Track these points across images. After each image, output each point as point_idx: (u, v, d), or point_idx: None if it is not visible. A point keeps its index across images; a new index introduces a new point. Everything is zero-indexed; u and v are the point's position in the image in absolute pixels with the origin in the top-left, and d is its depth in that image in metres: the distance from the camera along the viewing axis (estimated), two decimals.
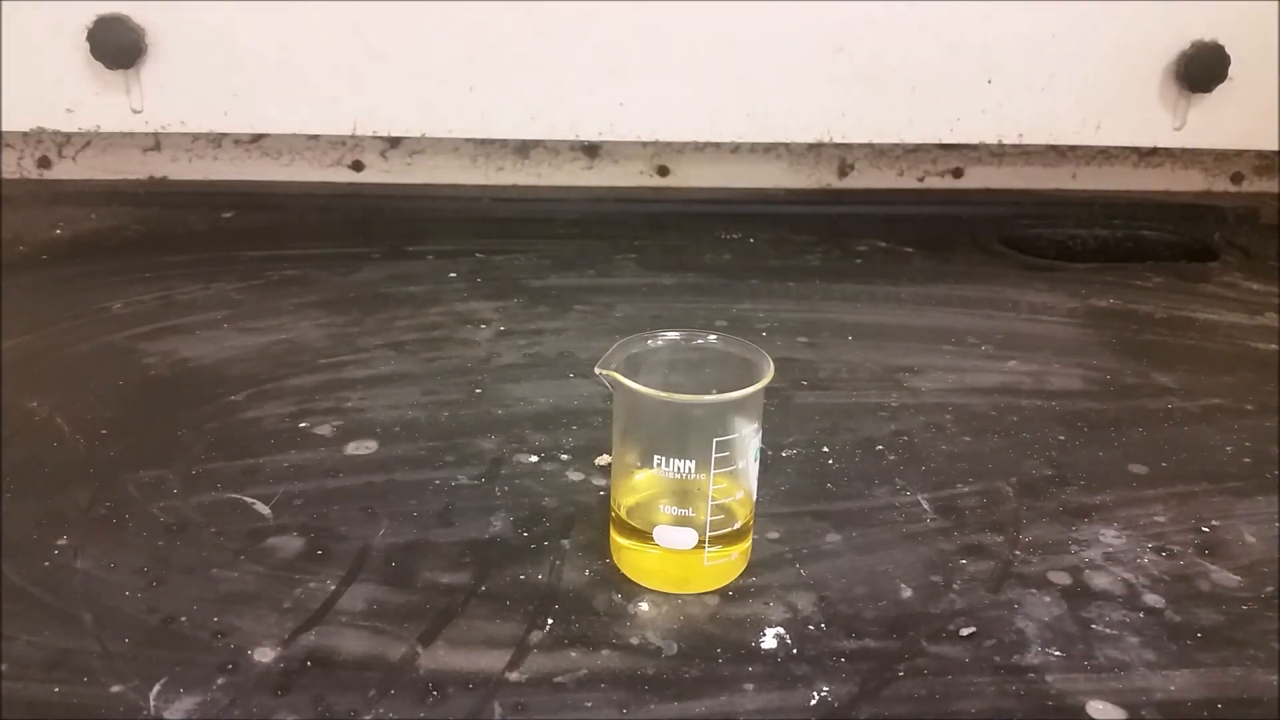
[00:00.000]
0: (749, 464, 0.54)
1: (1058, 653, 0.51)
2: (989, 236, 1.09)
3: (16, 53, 1.00)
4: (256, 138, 1.13)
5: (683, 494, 0.53)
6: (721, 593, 0.55)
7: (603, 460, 0.66)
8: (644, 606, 0.54)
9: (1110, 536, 0.60)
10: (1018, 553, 0.59)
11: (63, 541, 0.57)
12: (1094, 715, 0.48)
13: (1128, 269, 1.03)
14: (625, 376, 0.52)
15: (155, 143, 1.13)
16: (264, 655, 0.50)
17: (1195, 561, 0.59)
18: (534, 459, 0.66)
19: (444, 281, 0.93)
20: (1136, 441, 0.71)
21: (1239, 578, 0.57)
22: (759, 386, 0.52)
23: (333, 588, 0.54)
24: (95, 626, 0.51)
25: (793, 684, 0.49)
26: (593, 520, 0.60)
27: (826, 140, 1.11)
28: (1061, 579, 0.57)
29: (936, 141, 1.15)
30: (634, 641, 0.51)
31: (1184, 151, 1.21)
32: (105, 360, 0.77)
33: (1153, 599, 0.55)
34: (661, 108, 1.08)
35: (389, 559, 0.57)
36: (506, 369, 0.78)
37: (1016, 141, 1.13)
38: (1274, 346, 0.86)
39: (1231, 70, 1.08)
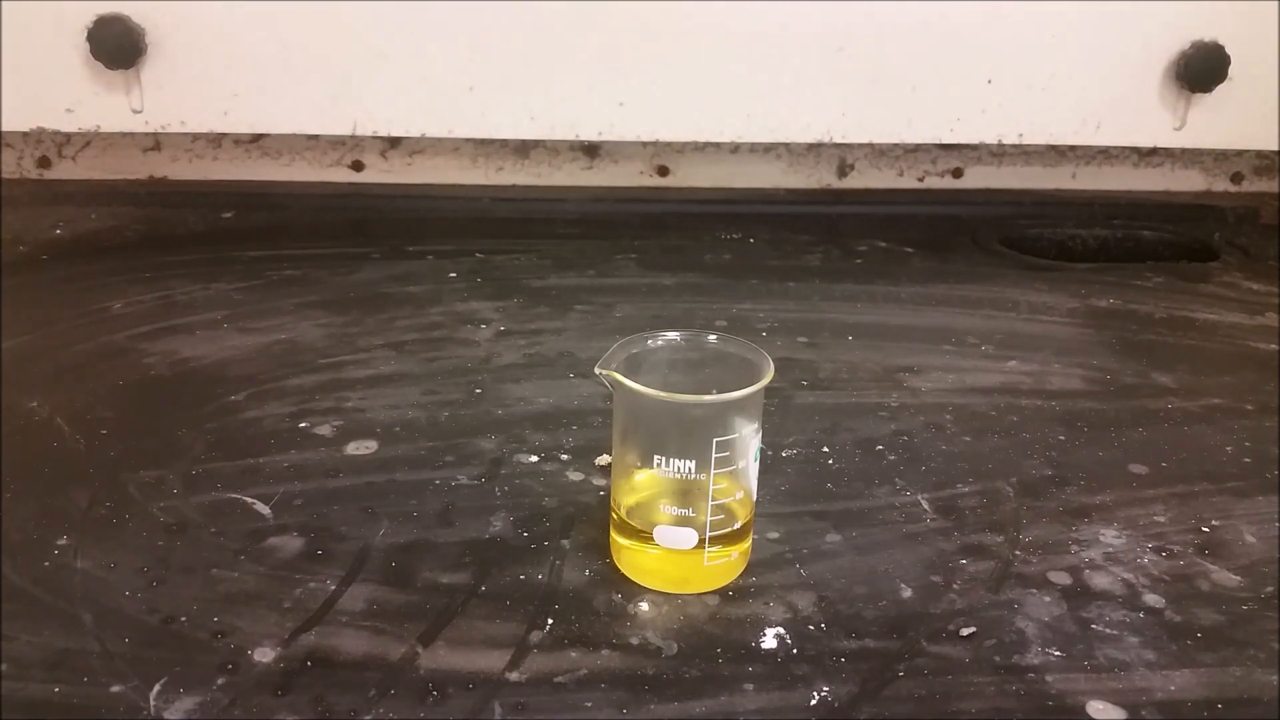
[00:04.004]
0: (749, 464, 0.54)
1: (1058, 653, 0.51)
2: (989, 236, 1.09)
3: (16, 53, 1.00)
4: (256, 138, 1.13)
5: (683, 494, 0.53)
6: (721, 593, 0.55)
7: (603, 460, 0.66)
8: (644, 606, 0.54)
9: (1110, 536, 0.60)
10: (1018, 553, 0.59)
11: (63, 541, 0.57)
12: (1094, 715, 0.48)
13: (1128, 269, 1.03)
14: (625, 376, 0.52)
15: (155, 143, 1.13)
16: (264, 655, 0.50)
17: (1195, 561, 0.59)
18: (534, 459, 0.66)
19: (444, 281, 0.93)
20: (1136, 441, 0.71)
21: (1239, 578, 0.57)
22: (759, 386, 0.52)
23: (333, 588, 0.54)
24: (95, 626, 0.51)
25: (793, 684, 0.49)
26: (593, 520, 0.60)
27: (826, 140, 1.11)
28: (1061, 579, 0.57)
29: (936, 141, 1.15)
30: (634, 641, 0.51)
31: (1184, 151, 1.21)
32: (105, 360, 0.77)
33: (1153, 599, 0.55)
34: (661, 108, 1.08)
35: (389, 559, 0.57)
36: (506, 369, 0.78)
37: (1016, 141, 1.13)
38: (1274, 346, 0.86)
39: (1231, 70, 1.08)
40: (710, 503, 0.53)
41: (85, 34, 0.99)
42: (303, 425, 0.69)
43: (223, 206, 1.09)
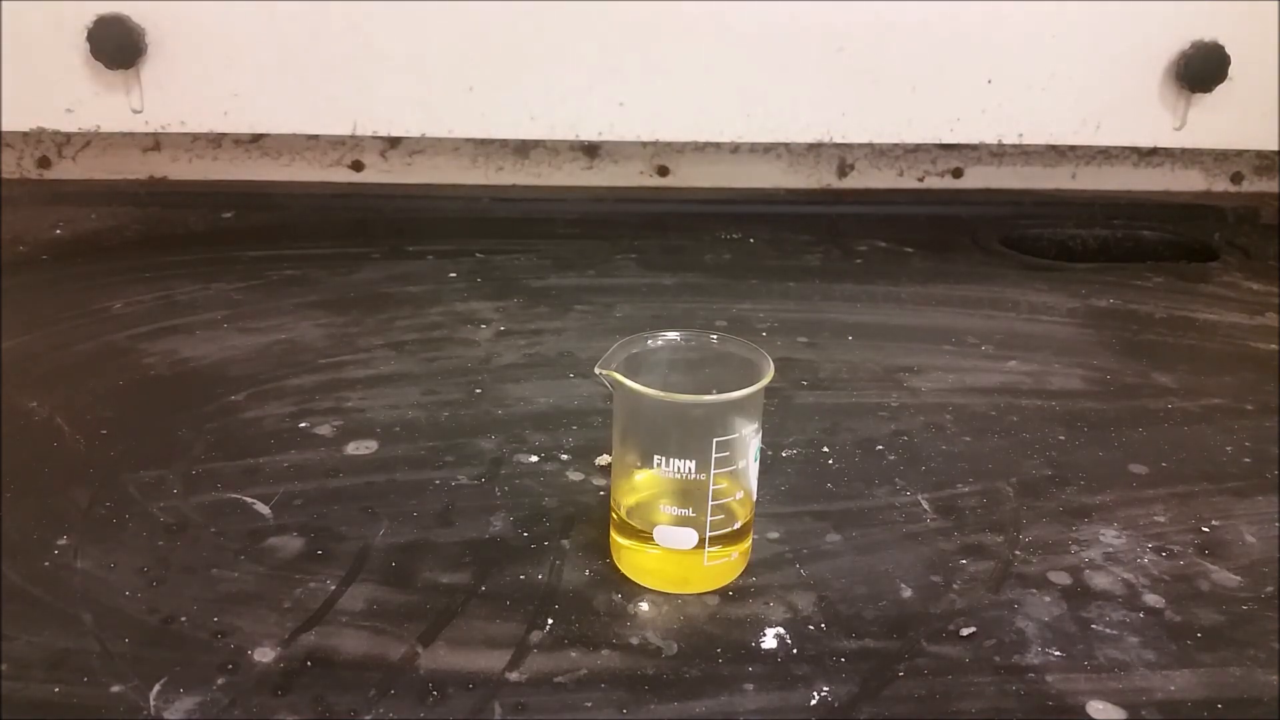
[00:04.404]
0: (749, 464, 0.54)
1: (1058, 653, 0.51)
2: (989, 236, 1.08)
3: (16, 53, 1.00)
4: (256, 138, 1.13)
5: (683, 494, 0.53)
6: (721, 593, 0.55)
7: (603, 460, 0.66)
8: (644, 606, 0.54)
9: (1110, 536, 0.60)
10: (1018, 553, 0.59)
11: (63, 541, 0.57)
12: (1094, 715, 0.48)
13: (1128, 269, 1.03)
14: (625, 376, 0.52)
15: (155, 143, 1.13)
16: (264, 655, 0.50)
17: (1195, 561, 0.59)
18: (534, 459, 0.66)
19: (444, 281, 0.93)
20: (1136, 441, 0.71)
21: (1239, 578, 0.57)
22: (759, 386, 0.52)
23: (333, 588, 0.54)
24: (95, 626, 0.51)
25: (793, 684, 0.49)
26: (593, 520, 0.60)
27: (826, 140, 1.11)
28: (1061, 579, 0.57)
29: (936, 141, 1.15)
30: (634, 641, 0.51)
31: (1184, 151, 1.21)
32: (105, 360, 0.77)
33: (1153, 599, 0.55)
34: (661, 108, 1.08)
35: (389, 559, 0.57)
36: (506, 369, 0.78)
37: (1016, 141, 1.13)
38: (1274, 346, 0.86)
39: (1231, 70, 1.08)
40: (710, 503, 0.53)
41: (85, 34, 1.00)
42: (303, 425, 0.69)
43: (223, 206, 1.09)
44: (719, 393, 0.53)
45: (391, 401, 0.72)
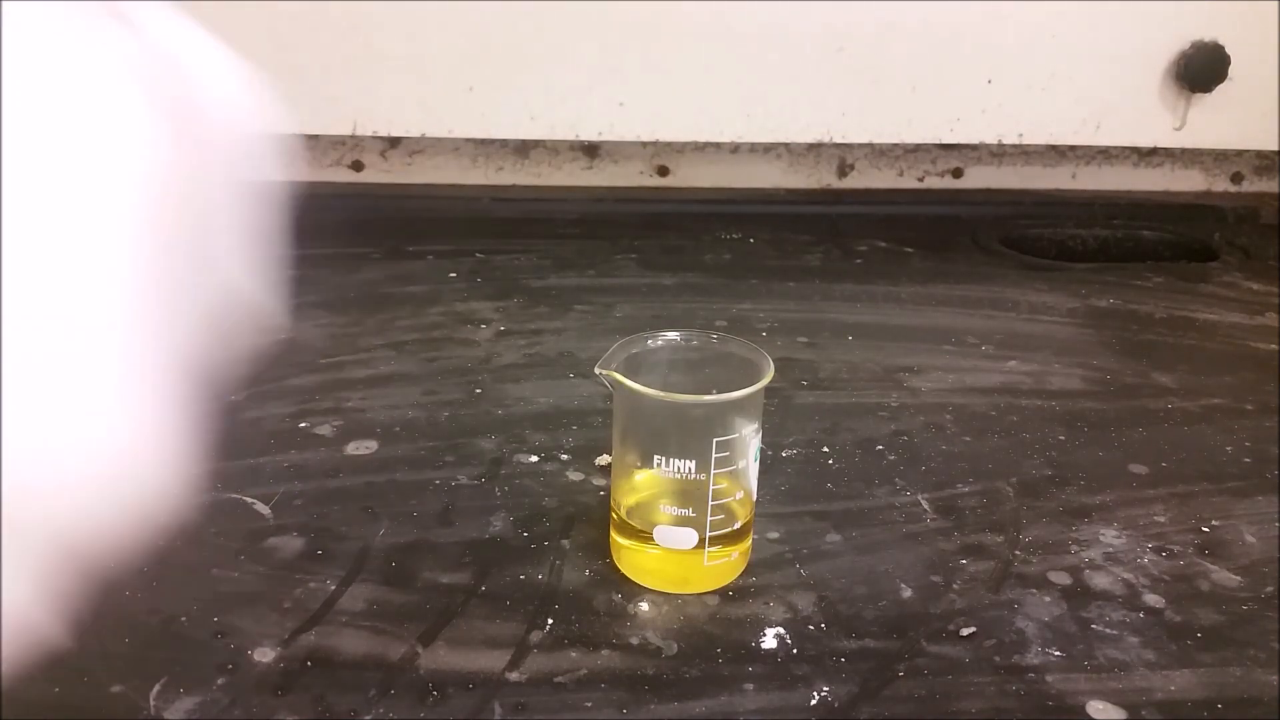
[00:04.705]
0: (749, 464, 0.54)
1: (1058, 653, 0.51)
2: (989, 236, 1.08)
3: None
4: None
5: (683, 494, 0.53)
6: (721, 593, 0.55)
7: (603, 460, 0.66)
8: (644, 606, 0.54)
9: (1110, 536, 0.60)
10: (1018, 553, 0.59)
11: None
12: (1094, 715, 0.48)
13: (1128, 269, 1.03)
14: (625, 376, 0.52)
15: None
16: (264, 655, 0.50)
17: (1195, 561, 0.59)
18: (534, 459, 0.66)
19: (444, 281, 0.93)
20: (1136, 441, 0.71)
21: (1239, 578, 0.57)
22: (759, 386, 0.52)
23: (333, 588, 0.54)
24: (95, 626, 0.51)
25: (793, 684, 0.49)
26: (593, 520, 0.60)
27: (826, 140, 1.11)
28: (1061, 579, 0.57)
29: (936, 141, 1.15)
30: (634, 641, 0.51)
31: (1184, 151, 1.21)
32: None
33: (1153, 599, 0.55)
34: (661, 108, 1.08)
35: (389, 559, 0.57)
36: (506, 369, 0.78)
37: (1016, 141, 1.13)
38: (1274, 346, 0.86)
39: (1231, 70, 1.08)
40: (710, 503, 0.53)
41: None
42: (303, 425, 0.69)
43: None
44: (719, 393, 0.53)
45: (391, 401, 0.72)
